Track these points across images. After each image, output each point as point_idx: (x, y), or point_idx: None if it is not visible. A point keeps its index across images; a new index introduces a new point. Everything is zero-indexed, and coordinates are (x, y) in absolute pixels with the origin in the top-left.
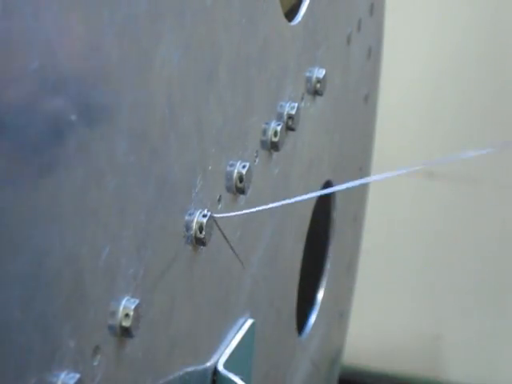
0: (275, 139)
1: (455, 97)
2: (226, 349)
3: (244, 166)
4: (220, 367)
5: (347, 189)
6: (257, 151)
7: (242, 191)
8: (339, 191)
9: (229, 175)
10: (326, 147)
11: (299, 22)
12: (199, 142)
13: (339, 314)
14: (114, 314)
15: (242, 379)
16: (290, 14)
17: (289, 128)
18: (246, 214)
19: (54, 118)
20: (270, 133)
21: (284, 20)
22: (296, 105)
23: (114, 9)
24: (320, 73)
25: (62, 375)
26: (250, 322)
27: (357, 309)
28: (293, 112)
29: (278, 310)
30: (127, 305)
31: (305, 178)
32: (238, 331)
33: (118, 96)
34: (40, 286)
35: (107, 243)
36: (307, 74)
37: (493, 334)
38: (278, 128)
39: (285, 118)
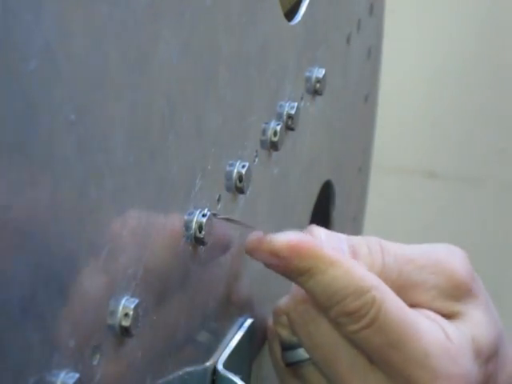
0: (275, 139)
1: (455, 96)
2: (225, 348)
3: (243, 166)
4: (219, 367)
5: (347, 187)
6: (256, 151)
7: (241, 191)
8: (339, 191)
9: (228, 175)
10: (325, 147)
11: (299, 22)
12: (198, 141)
13: None
14: (113, 313)
15: (241, 379)
16: (290, 13)
17: (288, 128)
18: (246, 213)
19: (53, 117)
20: (270, 132)
21: (284, 20)
22: (296, 104)
23: (112, 7)
24: (320, 73)
25: (62, 375)
26: (249, 321)
27: None
28: (292, 112)
29: None
30: (127, 304)
31: (304, 178)
32: (237, 331)
33: (116, 95)
34: (39, 286)
35: (106, 243)
36: (307, 74)
37: None
38: (278, 128)
39: (284, 117)
